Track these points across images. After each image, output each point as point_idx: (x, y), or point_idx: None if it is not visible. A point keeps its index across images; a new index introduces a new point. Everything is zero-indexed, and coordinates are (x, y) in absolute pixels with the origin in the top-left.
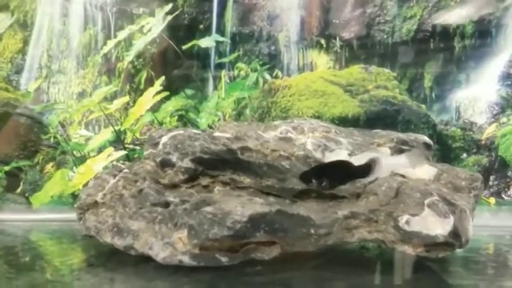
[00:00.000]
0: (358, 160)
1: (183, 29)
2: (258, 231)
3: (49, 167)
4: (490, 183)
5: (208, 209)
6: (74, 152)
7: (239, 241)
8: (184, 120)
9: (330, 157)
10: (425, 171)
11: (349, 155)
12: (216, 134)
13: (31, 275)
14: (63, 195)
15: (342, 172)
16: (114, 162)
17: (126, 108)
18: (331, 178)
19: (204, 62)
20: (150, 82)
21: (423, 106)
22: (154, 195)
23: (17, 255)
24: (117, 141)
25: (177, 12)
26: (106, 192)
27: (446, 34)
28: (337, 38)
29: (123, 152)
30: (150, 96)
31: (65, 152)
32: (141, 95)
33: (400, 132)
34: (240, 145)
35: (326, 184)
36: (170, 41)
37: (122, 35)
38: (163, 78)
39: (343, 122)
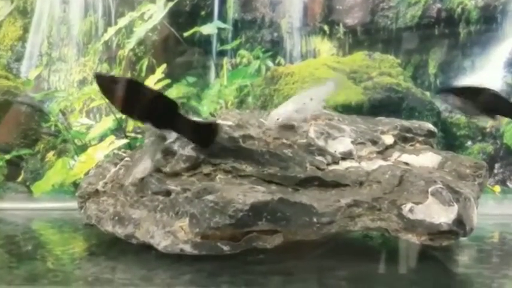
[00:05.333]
0: None
1: (184, 16)
2: (260, 220)
3: (50, 155)
4: (495, 171)
5: (210, 197)
6: (75, 141)
7: (241, 230)
8: (186, 107)
9: (332, 145)
10: (429, 158)
11: (352, 142)
12: (218, 121)
13: (32, 264)
14: (64, 184)
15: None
16: (116, 151)
17: None
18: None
19: (206, 49)
20: (151, 70)
21: (427, 93)
22: (156, 184)
23: (18, 244)
24: (119, 129)
25: None
26: (107, 181)
27: (451, 20)
28: (341, 25)
29: (124, 141)
30: (151, 83)
31: (66, 141)
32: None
33: (404, 119)
34: (242, 133)
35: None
36: (171, 28)
37: (122, 22)
38: (164, 65)
39: (346, 109)
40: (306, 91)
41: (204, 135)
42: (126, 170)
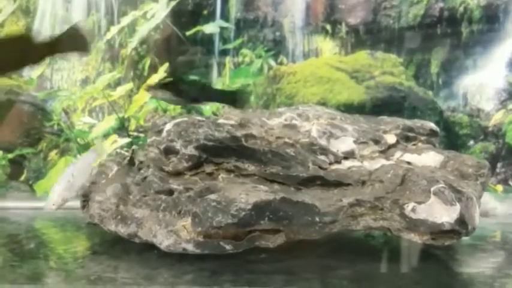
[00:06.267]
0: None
1: (186, 15)
2: (263, 219)
3: (53, 154)
4: (497, 170)
5: (213, 196)
6: (78, 140)
7: (243, 229)
8: (188, 107)
9: (335, 144)
10: (431, 158)
11: (355, 142)
12: (220, 121)
13: (35, 262)
14: None
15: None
16: (118, 150)
17: (129, 95)
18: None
19: (208, 48)
20: (154, 69)
21: (430, 92)
22: (158, 183)
23: (21, 243)
24: (121, 128)
25: None
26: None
27: (453, 19)
28: (343, 24)
29: (127, 139)
30: (153, 83)
31: (69, 140)
32: (144, 81)
33: (407, 118)
34: (244, 132)
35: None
36: (174, 27)
37: (125, 21)
38: (167, 64)
39: (348, 108)
40: (69, 167)
41: None
42: (128, 169)
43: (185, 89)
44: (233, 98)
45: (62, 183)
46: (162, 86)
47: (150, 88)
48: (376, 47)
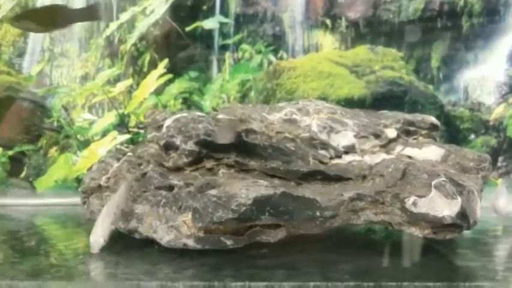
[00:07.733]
0: None
1: (186, 10)
2: (263, 214)
3: (53, 151)
4: (499, 164)
5: (213, 192)
6: (78, 136)
7: (244, 224)
8: (188, 102)
9: (335, 139)
10: (432, 152)
11: (355, 136)
12: (220, 116)
13: (35, 259)
14: (67, 180)
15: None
16: (118, 146)
17: (129, 91)
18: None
19: (208, 44)
20: (153, 65)
21: (430, 87)
22: (159, 179)
23: (21, 239)
24: (121, 124)
25: None
26: (110, 176)
27: (453, 13)
28: (343, 18)
29: (127, 136)
30: (153, 79)
31: (69, 136)
32: (144, 77)
33: (407, 113)
34: (245, 127)
35: None
36: (173, 23)
37: (124, 16)
38: (166, 60)
39: (349, 103)
40: (110, 201)
41: None
42: (129, 165)
43: (44, 16)
44: (88, 13)
45: (109, 217)
46: (24, 16)
47: (13, 19)
48: (376, 41)
